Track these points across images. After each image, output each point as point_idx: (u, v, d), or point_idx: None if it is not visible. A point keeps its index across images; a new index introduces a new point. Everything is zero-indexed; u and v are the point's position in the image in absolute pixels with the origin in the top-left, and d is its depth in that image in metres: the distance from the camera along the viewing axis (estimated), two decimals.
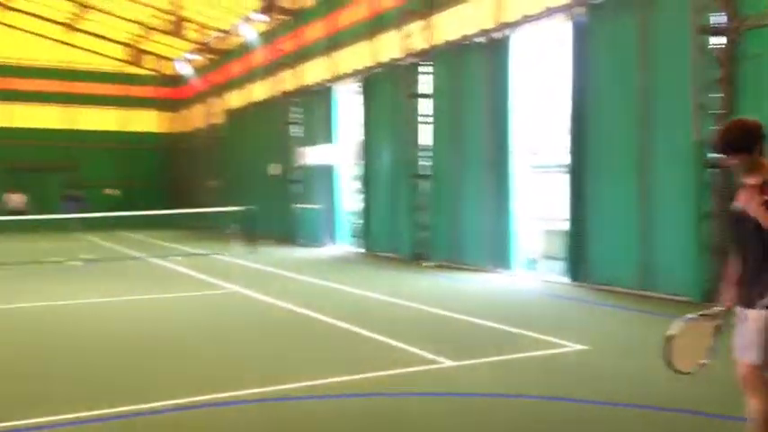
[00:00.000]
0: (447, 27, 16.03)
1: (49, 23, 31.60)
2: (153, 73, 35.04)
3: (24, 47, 32.08)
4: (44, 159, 32.53)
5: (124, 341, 8.32)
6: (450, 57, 15.64)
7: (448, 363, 6.98)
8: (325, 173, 20.98)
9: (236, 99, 28.66)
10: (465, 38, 15.07)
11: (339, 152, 20.60)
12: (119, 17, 29.06)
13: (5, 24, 31.64)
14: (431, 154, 16.37)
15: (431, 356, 7.20)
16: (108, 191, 33.30)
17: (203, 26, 28.06)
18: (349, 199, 20.57)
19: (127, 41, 32.74)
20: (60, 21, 31.24)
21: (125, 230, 27.22)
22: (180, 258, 17.57)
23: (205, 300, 11.53)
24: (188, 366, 7.12)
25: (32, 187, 30.95)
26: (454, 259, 15.19)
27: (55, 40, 32.56)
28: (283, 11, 23.31)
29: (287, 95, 23.52)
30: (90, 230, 27.31)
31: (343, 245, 20.27)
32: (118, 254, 19.25)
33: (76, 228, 27.92)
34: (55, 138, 32.87)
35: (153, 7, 27.05)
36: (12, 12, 30.92)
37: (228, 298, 11.59)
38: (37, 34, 32.11)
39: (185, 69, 32.76)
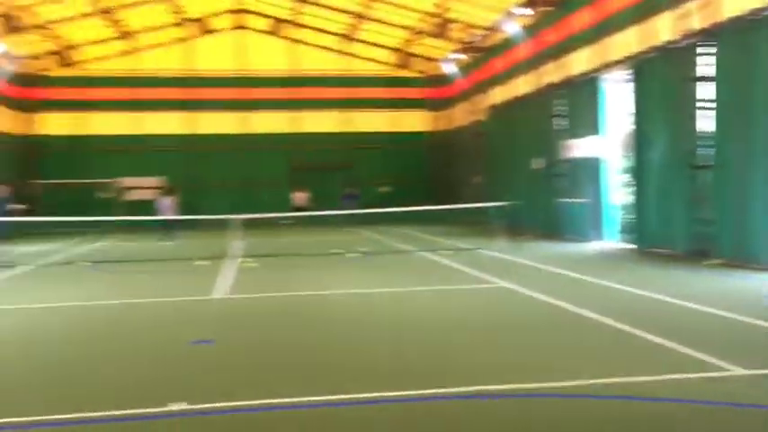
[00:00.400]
0: (731, 2, 14.53)
1: (328, 35, 34.64)
2: (420, 75, 36.66)
3: (307, 58, 35.59)
4: (325, 160, 35.74)
5: (405, 328, 8.81)
6: (735, 35, 14.15)
7: (736, 370, 6.34)
8: (591, 166, 20.25)
9: (499, 95, 28.84)
10: (754, 12, 13.53)
11: (606, 144, 19.76)
12: (390, 24, 30.84)
13: (292, 39, 35.35)
14: (712, 142, 14.97)
15: (714, 362, 6.59)
16: (382, 188, 35.65)
17: (467, 25, 28.66)
18: (617, 192, 19.63)
19: (396, 46, 34.63)
20: (338, 32, 34.03)
21: (396, 225, 28.84)
22: (447, 252, 18.16)
23: (473, 294, 11.77)
24: (458, 356, 7.32)
25: (315, 186, 34.22)
26: (742, 257, 13.74)
27: (333, 50, 35.61)
28: (547, 2, 22.97)
29: (551, 88, 23.12)
30: (365, 225, 29.42)
31: (611, 240, 19.41)
32: (390, 247, 20.45)
33: (353, 223, 30.25)
34: (334, 140, 35.92)
35: (420, 12, 28.29)
36: (298, 28, 34.44)
37: (495, 292, 11.70)
38: (318, 46, 35.39)
39: (450, 69, 33.75)
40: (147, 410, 5.61)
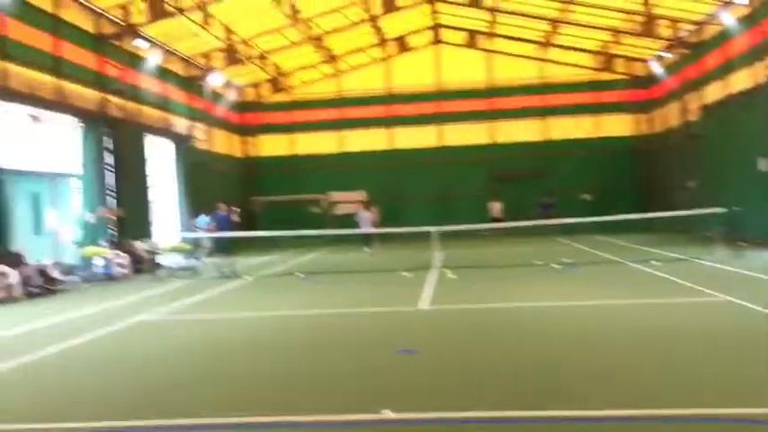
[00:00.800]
0: None
1: (524, 43, 34.18)
2: (623, 76, 34.94)
3: (503, 68, 35.37)
4: (523, 169, 35.22)
5: (614, 344, 8.39)
6: None
7: None
8: None
9: (713, 92, 26.64)
10: None
11: None
12: (589, 26, 29.76)
13: (488, 50, 35.35)
14: None
15: None
16: (584, 196, 34.40)
17: (675, 21, 26.86)
18: None
19: (597, 49, 33.32)
20: (534, 39, 33.46)
21: (598, 234, 27.64)
22: (659, 263, 17.04)
23: (693, 308, 10.89)
24: (672, 375, 6.80)
25: (513, 196, 33.80)
26: None
27: (530, 57, 35.08)
28: None
29: None
30: (563, 235, 28.52)
31: None
32: (595, 257, 19.62)
33: (550, 233, 29.44)
34: (532, 149, 35.31)
35: (624, 11, 27.00)
36: (494, 38, 34.38)
37: (717, 307, 10.75)
38: (514, 55, 35.05)
39: (656, 68, 31.82)
40: (361, 417, 5.83)
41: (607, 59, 33.95)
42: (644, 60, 33.45)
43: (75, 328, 11.05)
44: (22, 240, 19.05)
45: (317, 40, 31.80)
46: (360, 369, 7.65)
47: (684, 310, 10.77)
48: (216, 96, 32.32)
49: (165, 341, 9.88)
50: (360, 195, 35.00)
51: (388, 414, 5.81)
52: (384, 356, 8.20)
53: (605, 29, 29.82)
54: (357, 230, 26.50)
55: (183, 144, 28.33)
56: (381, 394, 6.51)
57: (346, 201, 34.74)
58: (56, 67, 20.38)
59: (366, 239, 26.46)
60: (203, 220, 23.09)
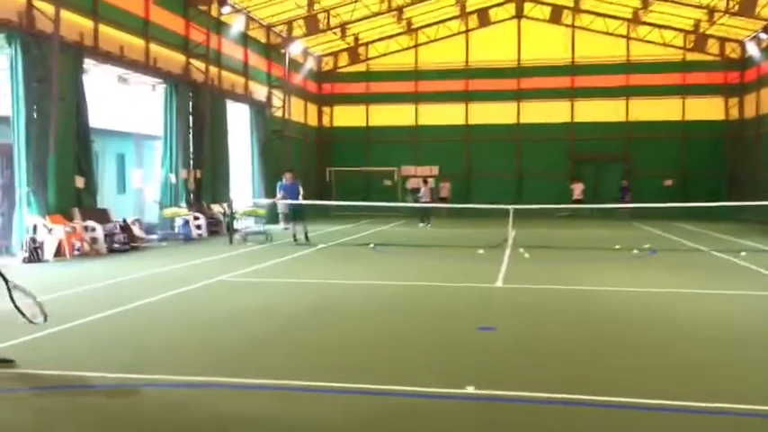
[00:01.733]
0: None
1: (612, 20, 33.02)
2: (715, 58, 33.37)
3: (588, 45, 34.25)
4: (602, 151, 34.24)
5: (700, 334, 8.05)
6: None
7: None
8: None
9: None
10: None
11: None
12: (683, 4, 28.48)
13: (574, 26, 34.29)
14: None
15: None
16: (666, 181, 33.26)
17: None
18: None
19: (688, 28, 31.90)
20: (622, 16, 32.27)
21: (679, 221, 26.66)
22: (745, 253, 16.27)
23: None
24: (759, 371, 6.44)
25: (587, 177, 32.97)
26: None
27: (617, 35, 33.87)
28: None
29: None
30: (643, 220, 27.64)
31: None
32: (677, 245, 18.92)
33: (631, 217, 28.59)
34: (614, 129, 34.24)
35: None
36: (580, 14, 33.31)
37: None
38: (600, 32, 33.90)
39: (753, 50, 30.25)
40: (446, 390, 5.74)
41: (699, 39, 32.46)
42: (739, 41, 31.89)
43: (159, 284, 11.34)
44: (107, 198, 19.73)
45: (397, 11, 31.49)
46: (442, 343, 7.56)
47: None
48: (294, 65, 32.50)
49: (244, 302, 10.01)
50: (433, 170, 34.88)
51: (471, 390, 5.71)
52: (465, 332, 8.09)
53: (700, 7, 28.48)
54: (419, 204, 26.86)
55: (261, 111, 28.65)
56: (464, 370, 6.41)
57: (417, 175, 34.61)
58: (144, 29, 20.82)
59: (423, 214, 26.70)
60: (289, 185, 23.33)
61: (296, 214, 19.43)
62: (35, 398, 5.66)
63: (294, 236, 19.15)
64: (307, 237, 19.10)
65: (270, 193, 24.73)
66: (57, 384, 5.98)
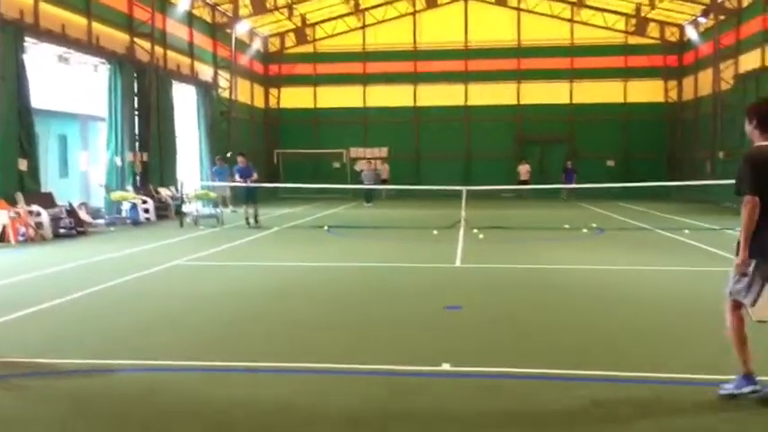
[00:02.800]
0: None
1: (557, 3, 33.49)
2: (655, 41, 34.25)
3: (534, 28, 34.64)
4: (547, 132, 34.84)
5: (638, 308, 8.33)
6: None
7: None
8: None
9: (749, 61, 26.10)
10: None
11: None
12: None
13: (519, 9, 34.66)
14: None
15: None
16: (609, 162, 34.10)
17: None
18: None
19: (630, 12, 32.63)
20: (568, 0, 32.77)
21: (622, 201, 27.43)
22: (687, 231, 16.87)
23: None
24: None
25: (533, 159, 33.57)
26: None
27: (561, 18, 34.39)
28: None
29: None
30: (587, 200, 28.32)
31: None
32: (623, 224, 19.47)
33: (570, 198, 29.27)
34: (559, 112, 34.85)
35: None
36: None
37: None
38: (546, 15, 34.36)
39: (692, 34, 31.16)
40: (422, 368, 5.80)
41: (640, 23, 33.28)
42: (678, 25, 32.80)
43: (115, 269, 11.07)
44: (50, 181, 19.10)
45: None
46: (411, 323, 7.62)
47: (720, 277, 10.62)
48: (241, 45, 31.94)
49: (205, 286, 9.87)
50: (382, 152, 34.94)
51: (447, 367, 5.79)
52: (432, 312, 8.16)
53: None
54: (370, 186, 28.23)
55: (207, 92, 28.11)
56: (437, 348, 6.48)
57: (365, 157, 34.62)
58: (86, 7, 20.12)
59: (368, 195, 28.34)
60: (221, 169, 23.18)
61: (249, 198, 19.25)
62: (3, 385, 5.48)
63: (247, 219, 18.96)
64: (257, 220, 18.93)
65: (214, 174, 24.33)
66: (24, 372, 5.79)
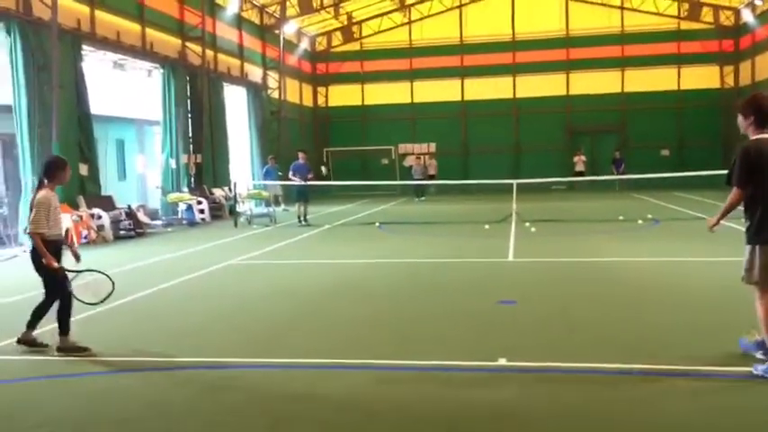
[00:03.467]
0: None
1: None
2: (709, 26, 33.34)
3: (583, 17, 34.07)
4: (598, 123, 34.27)
5: (717, 301, 8.17)
6: None
7: None
8: None
9: None
10: None
11: None
12: None
13: None
14: None
15: None
16: (663, 152, 33.37)
17: None
18: None
19: None
20: None
21: (677, 191, 26.82)
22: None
23: None
24: None
25: (587, 149, 33.04)
26: None
27: (610, 5, 33.74)
28: None
29: None
30: (639, 191, 27.77)
31: None
32: (680, 214, 19.06)
33: (628, 188, 28.73)
34: (610, 101, 34.21)
35: None
36: None
37: None
38: (594, 3, 33.76)
39: (748, 17, 30.23)
40: (480, 363, 5.84)
41: (693, 7, 32.43)
42: (733, 8, 31.85)
43: (173, 269, 11.39)
44: (109, 185, 19.71)
45: None
46: (466, 318, 7.65)
47: None
48: (289, 45, 32.31)
49: (261, 284, 10.08)
50: (430, 147, 34.93)
51: (503, 362, 5.81)
52: (486, 307, 8.17)
53: None
54: (419, 182, 28.80)
55: (257, 93, 28.54)
56: (493, 343, 6.51)
57: (415, 153, 34.67)
58: (139, 14, 20.66)
59: (417, 190, 29.01)
60: (271, 169, 23.35)
61: (302, 196, 19.32)
62: (79, 382, 5.72)
63: (299, 217, 19.17)
64: (306, 218, 19.06)
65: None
66: (88, 371, 6.03)
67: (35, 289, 7.05)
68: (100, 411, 5.00)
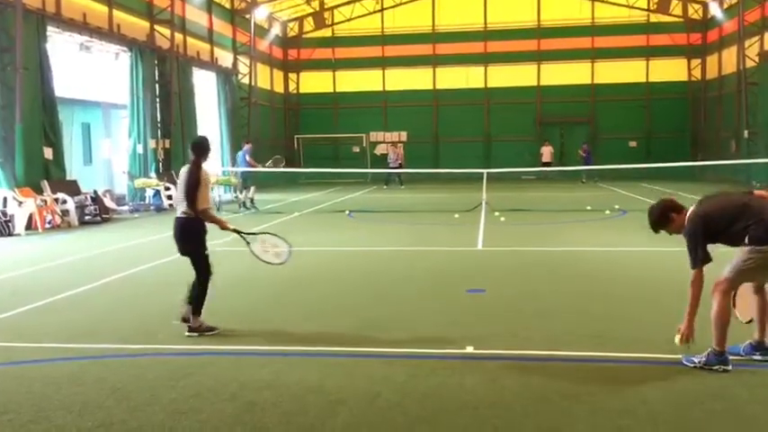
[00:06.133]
0: None
1: None
2: (678, 19, 33.73)
3: (553, 8, 34.27)
4: (568, 114, 34.55)
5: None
6: None
7: None
8: None
9: None
10: None
11: None
12: None
13: None
14: None
15: None
16: (631, 143, 33.75)
17: None
18: None
19: None
20: None
21: (644, 182, 27.19)
22: None
23: None
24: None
25: (553, 140, 33.30)
26: None
27: None
28: None
29: None
30: (607, 181, 28.09)
31: None
32: (645, 205, 19.25)
33: (589, 180, 29.04)
34: (580, 93, 34.49)
35: None
36: None
37: None
38: None
39: (715, 11, 30.64)
40: (448, 351, 5.86)
41: (662, 1, 32.72)
42: (701, 2, 32.28)
43: (143, 255, 11.24)
44: (74, 169, 19.35)
45: None
46: (435, 306, 7.68)
47: None
48: (260, 31, 31.96)
49: (232, 271, 9.98)
50: (401, 135, 34.90)
51: (471, 350, 5.84)
52: (455, 295, 8.21)
53: None
54: (391, 170, 28.55)
55: (227, 78, 28.21)
56: (461, 331, 6.53)
57: (385, 141, 34.63)
58: None
59: (395, 176, 28.82)
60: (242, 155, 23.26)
61: (246, 181, 19.90)
62: (41, 369, 5.61)
63: (243, 203, 19.48)
64: (253, 203, 19.43)
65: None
66: (54, 357, 5.92)
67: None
68: (62, 399, 4.91)
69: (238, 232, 6.88)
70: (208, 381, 5.20)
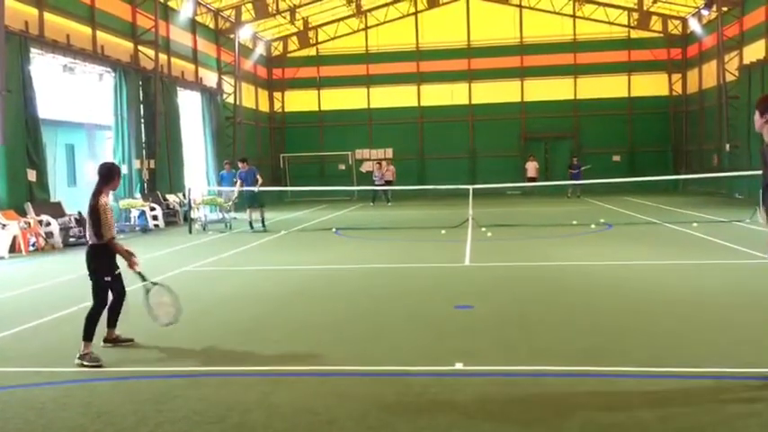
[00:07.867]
0: None
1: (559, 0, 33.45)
2: (658, 35, 34.16)
3: (535, 25, 34.60)
4: (552, 129, 34.79)
5: (651, 303, 8.32)
6: None
7: None
8: None
9: (754, 52, 26.01)
10: None
11: None
12: None
13: (520, 6, 34.63)
14: None
15: None
16: (615, 157, 33.98)
17: None
18: None
19: (633, 6, 32.57)
20: None
21: (629, 195, 27.38)
22: (697, 224, 16.84)
23: (737, 269, 10.77)
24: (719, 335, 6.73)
25: (538, 156, 33.47)
26: None
27: (563, 14, 34.33)
28: None
29: None
30: (592, 196, 28.26)
31: None
32: (631, 219, 19.44)
33: (575, 194, 29.20)
34: (563, 108, 34.75)
35: None
36: None
37: (758, 269, 10.58)
38: (547, 11, 34.31)
39: (695, 26, 31.07)
40: (437, 368, 5.83)
41: (643, 17, 33.14)
42: (681, 18, 32.74)
43: (128, 277, 11.10)
44: (59, 191, 19.20)
45: None
46: (423, 324, 7.65)
47: (729, 269, 10.64)
48: (244, 50, 32.02)
49: (218, 291, 9.92)
50: (387, 153, 34.98)
51: (460, 366, 5.82)
52: (443, 312, 8.19)
53: None
54: (376, 187, 28.67)
55: (212, 98, 28.19)
56: (450, 348, 6.51)
57: (371, 158, 34.64)
58: (90, 16, 20.24)
59: (383, 194, 28.91)
60: (227, 174, 23.10)
61: (253, 202, 19.26)
62: (26, 392, 5.52)
63: (251, 223, 19.01)
64: (264, 224, 18.96)
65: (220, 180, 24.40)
66: (39, 382, 5.84)
67: None
68: (46, 423, 4.83)
69: (142, 277, 6.93)
70: (194, 403, 5.14)
